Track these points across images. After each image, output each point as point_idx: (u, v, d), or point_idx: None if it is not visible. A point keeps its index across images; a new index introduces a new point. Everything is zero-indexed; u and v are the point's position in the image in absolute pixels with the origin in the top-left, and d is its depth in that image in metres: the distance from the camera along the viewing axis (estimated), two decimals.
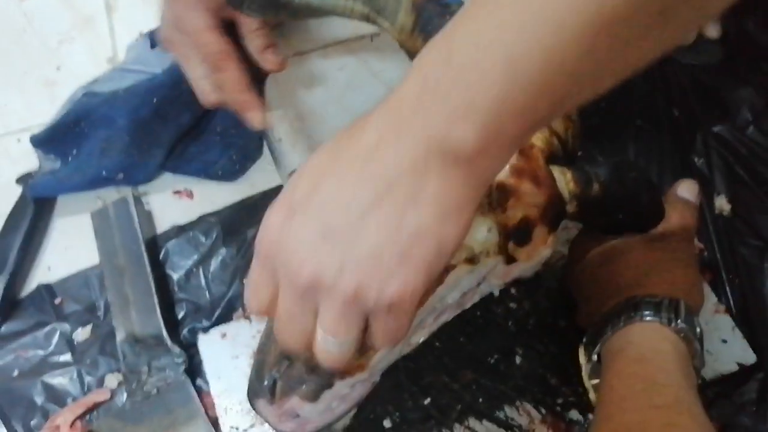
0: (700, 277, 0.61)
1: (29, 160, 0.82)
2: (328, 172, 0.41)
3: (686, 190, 0.64)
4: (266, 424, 0.62)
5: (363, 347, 0.45)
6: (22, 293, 0.74)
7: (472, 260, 0.52)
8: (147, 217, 0.77)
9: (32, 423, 0.67)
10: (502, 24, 0.36)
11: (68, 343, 0.71)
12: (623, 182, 0.58)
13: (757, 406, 0.64)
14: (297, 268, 0.40)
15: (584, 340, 0.59)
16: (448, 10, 0.61)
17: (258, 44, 0.69)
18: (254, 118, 0.68)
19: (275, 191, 0.77)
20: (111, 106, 0.80)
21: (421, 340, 0.58)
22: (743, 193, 0.76)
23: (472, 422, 0.64)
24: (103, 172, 0.77)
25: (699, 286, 0.60)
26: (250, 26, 0.69)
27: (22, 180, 0.80)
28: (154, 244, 0.76)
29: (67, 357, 0.70)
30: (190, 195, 0.79)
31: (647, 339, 0.54)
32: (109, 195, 0.78)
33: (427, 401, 0.65)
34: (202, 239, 0.76)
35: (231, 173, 0.80)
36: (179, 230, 0.77)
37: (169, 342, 0.68)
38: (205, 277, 0.74)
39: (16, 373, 0.69)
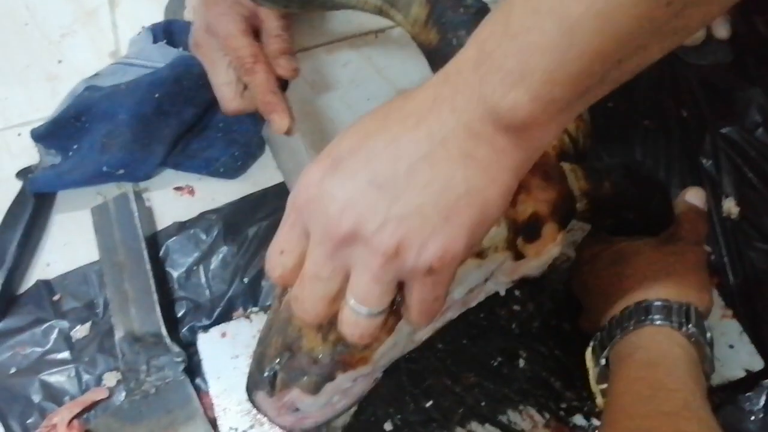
0: (710, 282, 0.60)
1: (30, 154, 0.81)
2: (378, 128, 0.40)
3: (694, 196, 0.64)
4: (266, 425, 0.62)
5: (388, 325, 0.44)
6: (20, 289, 0.73)
7: (480, 254, 0.51)
8: (147, 214, 0.77)
9: (29, 421, 0.66)
10: None
11: (66, 340, 0.70)
12: (634, 182, 0.57)
13: (764, 412, 0.63)
14: (337, 216, 0.39)
15: (592, 343, 0.58)
16: (462, 3, 0.60)
17: (275, 49, 0.69)
18: (280, 121, 0.68)
19: (277, 189, 0.77)
20: (112, 101, 0.80)
21: (426, 337, 0.57)
22: (752, 195, 0.75)
23: (474, 426, 0.63)
24: (104, 168, 0.76)
25: (709, 290, 0.59)
26: (271, 32, 0.69)
27: (22, 174, 0.79)
28: (154, 241, 0.75)
29: (65, 354, 0.69)
30: (191, 192, 0.79)
31: (657, 343, 0.53)
32: (110, 191, 0.77)
33: (428, 404, 0.64)
34: (203, 237, 0.75)
35: (233, 170, 0.79)
36: (180, 227, 0.76)
37: (168, 340, 0.67)
38: (206, 275, 0.73)
39: (13, 370, 0.69)
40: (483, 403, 0.64)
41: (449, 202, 0.39)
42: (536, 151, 0.42)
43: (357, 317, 0.42)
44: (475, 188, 0.39)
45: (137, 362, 0.67)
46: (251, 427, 0.63)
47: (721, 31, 0.83)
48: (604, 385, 0.57)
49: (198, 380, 0.67)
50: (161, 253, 0.75)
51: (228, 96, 0.69)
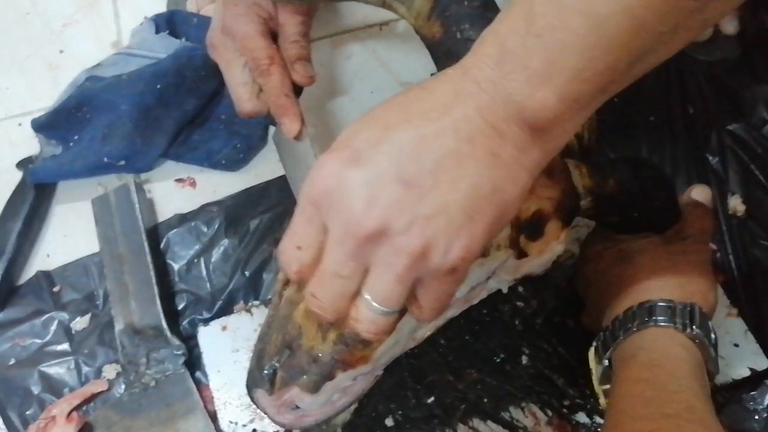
0: (715, 281, 0.60)
1: (30, 144, 0.81)
2: (399, 120, 0.39)
3: (699, 194, 0.63)
4: (266, 420, 0.61)
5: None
6: (20, 280, 0.73)
7: (483, 253, 0.50)
8: (148, 205, 0.76)
9: (28, 413, 0.66)
10: None
11: (66, 332, 0.70)
12: (639, 179, 0.57)
13: None
14: (361, 214, 0.38)
15: (595, 344, 0.57)
16: None
17: (292, 54, 0.69)
18: (290, 125, 0.67)
19: (278, 181, 0.76)
20: (114, 92, 0.79)
21: (427, 335, 0.57)
22: (758, 193, 0.74)
23: (476, 422, 0.63)
24: (105, 159, 0.75)
25: (714, 290, 0.58)
26: (289, 37, 0.69)
27: (23, 165, 0.79)
28: (155, 233, 0.74)
29: (64, 346, 0.69)
30: (192, 184, 0.78)
31: (660, 345, 0.53)
32: (111, 182, 0.77)
33: (430, 400, 0.64)
34: (204, 229, 0.75)
35: (234, 162, 0.78)
36: (181, 219, 0.75)
37: (168, 333, 0.67)
38: (207, 268, 0.73)
39: (12, 361, 0.68)
40: (485, 400, 0.64)
41: (474, 202, 0.38)
42: (554, 150, 0.41)
43: (374, 315, 0.41)
44: (499, 187, 0.39)
45: (137, 355, 0.67)
46: (251, 421, 0.63)
47: (729, 27, 0.83)
48: (607, 386, 0.56)
49: (198, 373, 0.67)
50: (162, 245, 0.74)
51: (244, 97, 0.69)
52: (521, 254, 0.53)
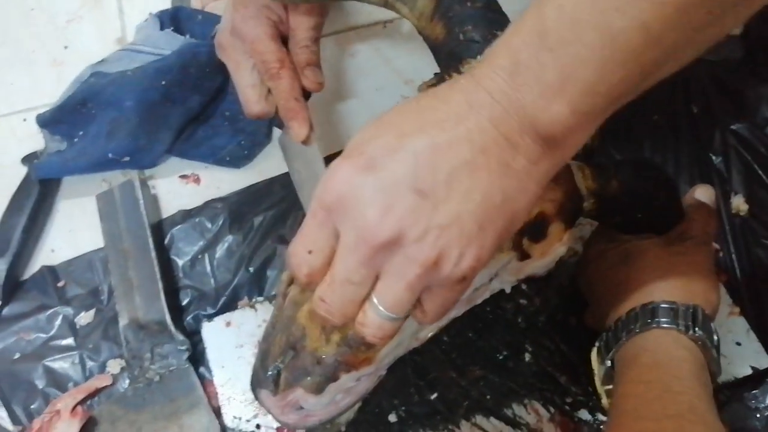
0: (718, 283, 0.60)
1: (35, 140, 0.81)
2: (414, 129, 0.39)
3: (703, 194, 0.63)
4: (270, 415, 0.62)
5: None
6: (25, 275, 0.73)
7: None
8: (153, 201, 0.76)
9: (33, 407, 0.66)
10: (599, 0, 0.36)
11: (71, 326, 0.70)
12: (642, 181, 0.57)
13: None
14: (375, 222, 0.38)
15: (597, 344, 0.58)
16: None
17: (302, 59, 0.69)
18: (299, 129, 0.67)
19: (282, 178, 0.76)
20: (119, 88, 0.79)
21: (430, 335, 0.57)
22: (761, 193, 0.74)
23: (479, 419, 0.63)
24: (110, 155, 0.75)
25: (717, 291, 0.58)
26: (299, 42, 0.69)
27: (27, 160, 0.79)
28: (159, 229, 0.75)
29: (69, 341, 0.69)
30: (196, 180, 0.78)
31: (663, 346, 0.53)
32: (115, 178, 0.77)
33: (433, 396, 0.64)
34: (208, 225, 0.75)
35: (239, 159, 0.78)
36: (185, 215, 0.76)
37: (172, 329, 0.67)
38: (211, 264, 0.73)
39: (17, 356, 0.69)
40: (488, 397, 0.64)
41: (486, 212, 0.39)
42: (563, 161, 0.42)
43: (381, 320, 0.41)
44: (510, 198, 0.39)
45: (141, 350, 0.67)
46: (255, 416, 0.63)
47: None
48: (610, 386, 0.56)
49: (202, 369, 0.67)
50: (166, 241, 0.74)
51: (252, 99, 0.68)
52: (524, 256, 0.53)
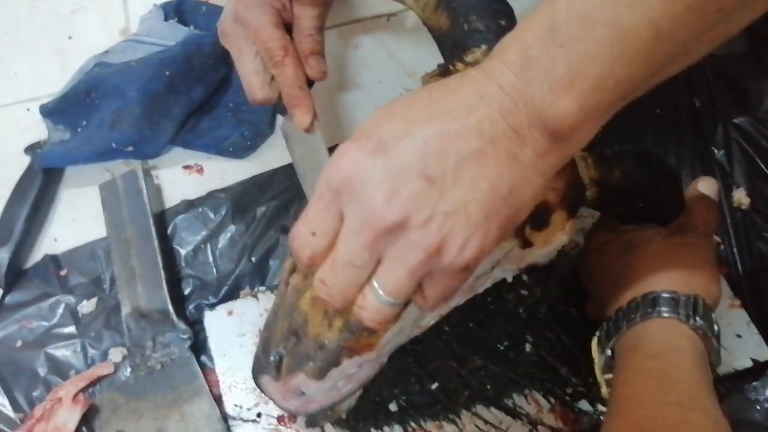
0: (719, 274, 0.60)
1: (38, 129, 0.81)
2: (425, 116, 0.39)
3: (706, 186, 0.63)
4: (271, 403, 0.62)
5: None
6: (27, 264, 0.73)
7: None
8: (156, 191, 0.77)
9: (34, 394, 0.66)
10: None
11: (73, 315, 0.70)
12: (645, 170, 0.57)
13: None
14: (382, 206, 0.38)
15: (598, 334, 0.58)
16: None
17: (305, 48, 0.69)
18: (302, 116, 0.67)
19: (285, 169, 0.77)
20: (122, 78, 0.79)
21: (431, 323, 0.57)
22: (762, 186, 0.74)
23: (480, 409, 0.63)
24: (113, 144, 0.76)
25: (718, 282, 0.58)
26: (303, 30, 0.69)
27: (31, 150, 0.79)
28: (162, 219, 0.75)
29: (71, 329, 0.69)
30: (200, 170, 0.78)
31: (663, 335, 0.53)
32: (118, 168, 0.77)
33: (434, 386, 0.64)
34: (211, 215, 0.75)
35: (242, 150, 0.79)
36: (188, 205, 0.76)
37: (174, 317, 0.67)
38: (213, 254, 0.73)
39: (19, 343, 0.69)
40: (489, 387, 0.64)
41: (492, 202, 0.39)
42: (570, 156, 0.42)
43: (380, 305, 0.41)
44: (516, 189, 0.40)
45: (143, 338, 0.67)
46: (256, 405, 0.63)
47: None
48: (609, 375, 0.56)
49: (204, 357, 0.67)
50: (169, 230, 0.74)
51: (256, 85, 0.68)
52: (526, 244, 0.53)
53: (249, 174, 0.78)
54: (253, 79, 0.68)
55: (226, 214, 0.75)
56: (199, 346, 0.68)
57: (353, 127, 0.79)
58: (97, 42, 0.86)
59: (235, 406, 0.64)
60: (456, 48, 0.60)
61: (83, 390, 0.65)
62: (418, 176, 0.38)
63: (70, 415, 0.63)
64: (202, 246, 0.73)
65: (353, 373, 0.55)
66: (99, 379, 0.67)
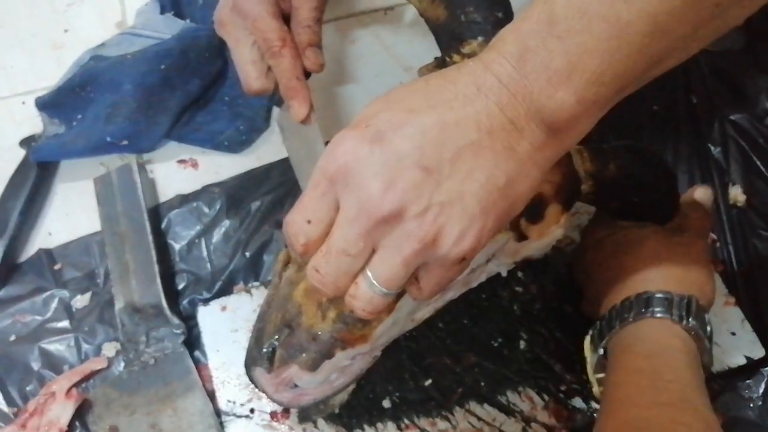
0: (713, 275, 0.60)
1: (33, 123, 0.81)
2: (422, 106, 0.39)
3: (701, 195, 0.63)
4: (264, 399, 0.62)
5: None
6: (21, 258, 0.73)
7: None
8: (150, 186, 0.76)
9: (28, 388, 0.66)
10: None
11: (67, 309, 0.70)
12: (640, 165, 0.57)
13: (763, 399, 0.63)
14: (379, 195, 0.38)
15: (591, 332, 0.58)
16: None
17: (303, 39, 0.68)
18: (299, 108, 0.67)
19: (280, 164, 0.76)
20: (118, 71, 0.79)
21: (426, 317, 0.57)
22: (759, 184, 0.74)
23: (473, 406, 0.63)
24: (108, 138, 0.75)
25: (712, 282, 0.58)
26: (302, 22, 0.68)
27: (26, 143, 0.79)
28: (156, 213, 0.75)
29: (65, 324, 0.69)
30: (194, 165, 0.78)
31: (656, 335, 0.53)
32: (113, 161, 0.77)
33: (428, 382, 0.64)
34: (206, 210, 0.75)
35: (237, 144, 0.78)
36: (182, 200, 0.76)
37: (168, 312, 0.67)
38: (207, 249, 0.73)
39: (13, 338, 0.69)
40: (482, 383, 0.64)
41: (488, 193, 0.39)
42: (566, 149, 0.42)
43: (372, 294, 0.41)
44: (512, 181, 0.40)
45: (137, 333, 0.67)
46: (249, 400, 0.63)
47: None
48: (601, 375, 0.56)
49: (197, 353, 0.67)
50: (163, 225, 0.74)
51: (252, 75, 0.68)
52: (521, 237, 0.53)
53: (244, 168, 0.77)
54: (249, 68, 0.68)
55: (221, 209, 0.75)
56: (192, 342, 0.67)
57: (350, 120, 0.79)
58: (93, 35, 0.86)
59: (229, 401, 0.64)
60: (453, 39, 0.60)
61: (77, 385, 0.65)
62: (415, 166, 0.38)
63: (63, 410, 0.63)
64: (197, 241, 0.73)
65: (346, 366, 0.55)
66: (92, 374, 0.67)
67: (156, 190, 0.76)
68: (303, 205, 0.41)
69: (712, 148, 0.76)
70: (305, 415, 0.62)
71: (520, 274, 0.68)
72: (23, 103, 0.83)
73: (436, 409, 0.63)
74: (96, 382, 0.66)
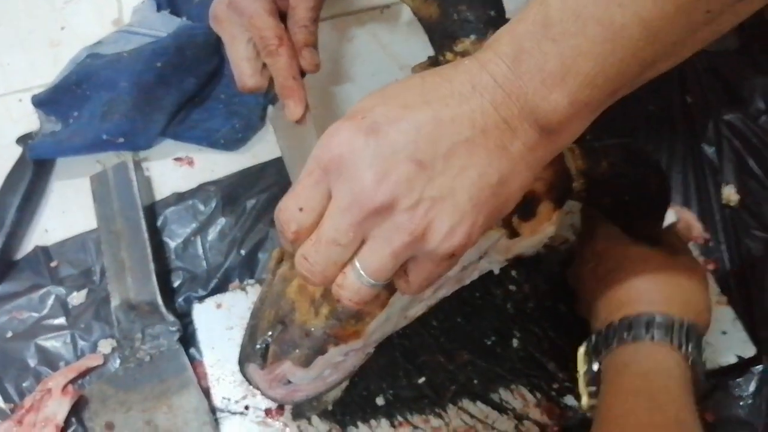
0: (710, 300, 0.59)
1: (30, 120, 0.81)
2: (418, 102, 0.40)
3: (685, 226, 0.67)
4: (258, 396, 0.62)
5: (381, 300, 0.45)
6: (18, 255, 0.73)
7: None
8: (146, 183, 0.77)
9: (24, 385, 0.67)
10: None
11: (63, 306, 0.70)
12: (632, 163, 0.57)
13: (754, 398, 0.64)
14: (372, 187, 0.38)
15: (585, 345, 0.57)
16: None
17: (300, 39, 0.68)
18: (294, 108, 0.67)
19: (276, 162, 0.77)
20: (114, 69, 0.79)
21: (418, 314, 0.58)
22: (752, 184, 0.74)
23: (466, 403, 0.63)
24: (104, 136, 0.75)
25: (709, 309, 0.58)
26: (299, 21, 0.68)
27: (22, 140, 0.79)
28: (152, 211, 0.75)
29: (61, 320, 0.70)
30: (190, 163, 0.78)
31: (653, 357, 0.53)
32: (109, 159, 0.77)
33: (421, 380, 0.64)
34: (201, 208, 0.75)
35: (233, 142, 0.79)
36: (178, 198, 0.76)
37: (163, 310, 0.67)
38: (203, 246, 0.73)
39: (9, 334, 0.69)
40: (475, 381, 0.64)
41: (480, 191, 0.40)
42: (558, 150, 0.43)
43: (360, 285, 0.41)
44: (504, 180, 0.40)
45: (132, 330, 0.68)
46: (244, 397, 0.64)
47: None
48: (593, 388, 0.56)
49: (192, 350, 0.68)
50: (159, 223, 0.75)
51: (247, 72, 0.68)
52: (513, 234, 0.54)
53: (239, 167, 0.78)
54: (244, 65, 0.68)
55: (216, 207, 0.75)
56: (187, 339, 0.68)
57: None
58: (90, 33, 0.86)
59: (224, 398, 0.64)
60: (445, 37, 0.60)
61: (73, 381, 0.66)
62: (409, 160, 0.39)
63: (59, 406, 0.64)
64: (192, 238, 0.74)
65: (339, 362, 0.55)
66: (88, 371, 0.67)
67: (152, 188, 0.77)
68: (296, 192, 0.42)
69: (706, 147, 0.77)
70: (299, 411, 0.62)
71: (513, 272, 0.69)
72: (20, 100, 0.83)
73: (430, 406, 0.63)
74: (92, 378, 0.67)
